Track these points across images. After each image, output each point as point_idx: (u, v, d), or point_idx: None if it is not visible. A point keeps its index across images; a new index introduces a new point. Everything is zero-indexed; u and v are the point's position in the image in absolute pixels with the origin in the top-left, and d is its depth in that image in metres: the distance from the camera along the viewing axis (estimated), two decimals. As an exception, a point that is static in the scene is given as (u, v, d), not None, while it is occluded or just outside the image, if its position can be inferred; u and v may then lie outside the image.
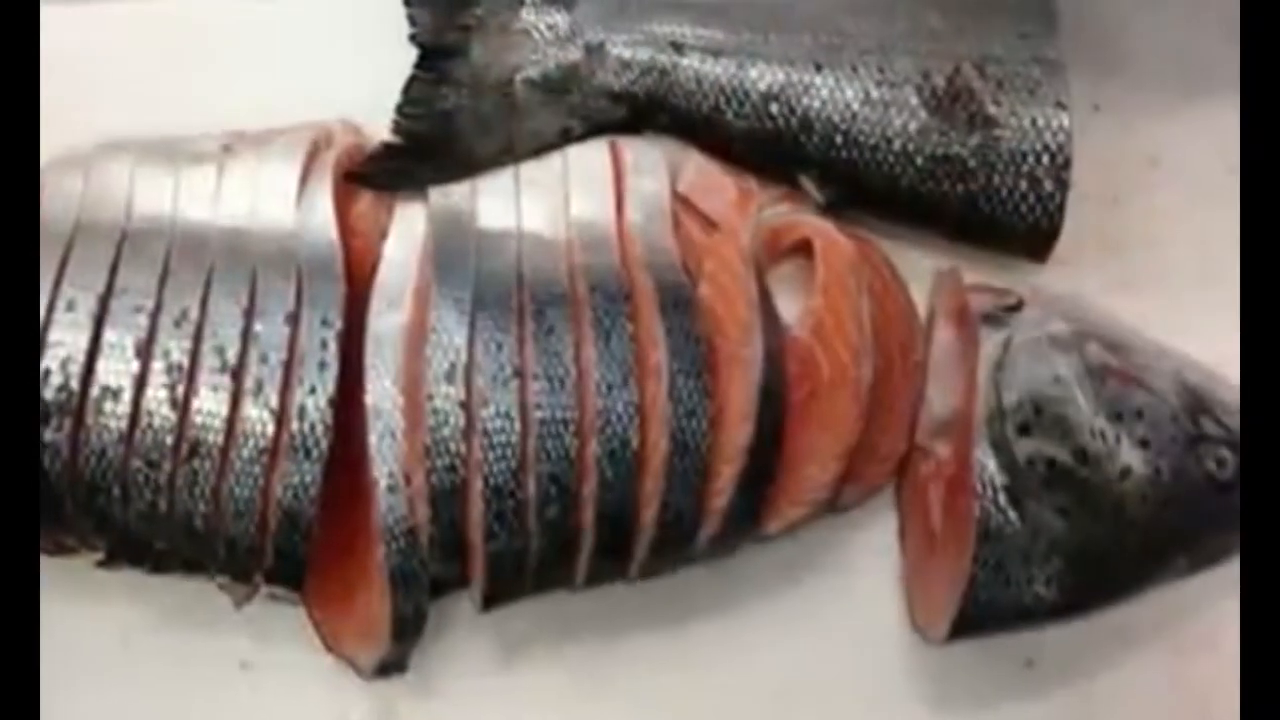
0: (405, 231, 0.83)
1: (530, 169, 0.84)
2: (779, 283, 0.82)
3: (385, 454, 0.79)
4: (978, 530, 0.76)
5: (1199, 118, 0.87)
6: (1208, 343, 0.81)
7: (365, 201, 0.85)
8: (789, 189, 0.84)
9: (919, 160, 0.81)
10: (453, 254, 0.81)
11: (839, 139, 0.82)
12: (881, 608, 0.85)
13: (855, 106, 0.82)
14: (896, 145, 0.81)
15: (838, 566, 0.85)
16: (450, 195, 0.84)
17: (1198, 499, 0.77)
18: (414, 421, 0.78)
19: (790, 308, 0.82)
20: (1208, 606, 0.82)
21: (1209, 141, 0.86)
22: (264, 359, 0.79)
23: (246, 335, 0.79)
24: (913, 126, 0.81)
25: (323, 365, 0.79)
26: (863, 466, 0.81)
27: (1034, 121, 0.81)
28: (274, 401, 0.78)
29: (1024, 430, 0.77)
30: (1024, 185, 0.81)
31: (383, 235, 0.84)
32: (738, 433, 0.78)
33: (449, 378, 0.78)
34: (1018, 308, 0.80)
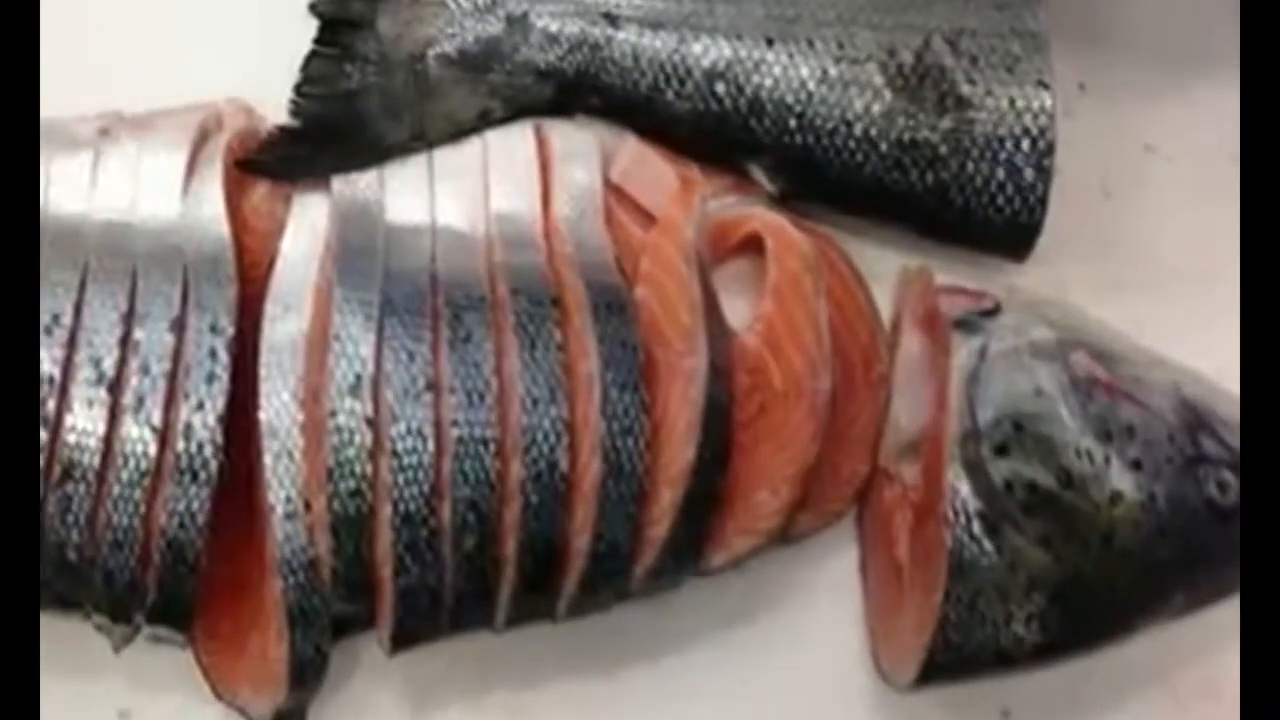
0: (304, 226, 0.80)
1: (445, 156, 0.81)
2: (726, 284, 0.79)
3: (282, 477, 0.75)
4: (949, 563, 0.73)
5: (1199, 99, 0.86)
6: (1207, 351, 0.78)
7: (260, 193, 0.81)
8: (737, 178, 0.81)
9: (883, 146, 0.79)
10: (358, 252, 0.78)
11: (793, 122, 0.79)
12: (841, 650, 0.81)
13: (811, 86, 0.79)
14: (858, 129, 0.79)
15: (791, 604, 0.81)
16: (355, 185, 0.80)
17: (1197, 528, 0.74)
18: (314, 441, 0.75)
19: (739, 312, 0.79)
20: (1208, 649, 0.79)
21: (1209, 126, 0.84)
22: (145, 370, 0.75)
23: (125, 343, 0.75)
24: (876, 108, 0.79)
25: (211, 377, 0.75)
26: (819, 491, 0.78)
27: (1013, 102, 0.78)
28: (156, 418, 0.74)
29: (1001, 450, 0.73)
30: (1001, 174, 0.78)
31: (279, 230, 0.80)
32: (679, 453, 0.75)
33: (354, 391, 0.74)
34: (994, 312, 0.77)
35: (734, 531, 0.77)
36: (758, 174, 0.81)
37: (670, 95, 0.80)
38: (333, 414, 0.74)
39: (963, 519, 0.73)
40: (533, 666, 0.81)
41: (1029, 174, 0.78)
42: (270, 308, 0.77)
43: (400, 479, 0.74)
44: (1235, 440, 0.74)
